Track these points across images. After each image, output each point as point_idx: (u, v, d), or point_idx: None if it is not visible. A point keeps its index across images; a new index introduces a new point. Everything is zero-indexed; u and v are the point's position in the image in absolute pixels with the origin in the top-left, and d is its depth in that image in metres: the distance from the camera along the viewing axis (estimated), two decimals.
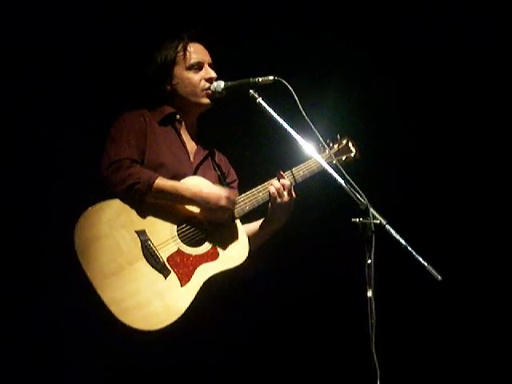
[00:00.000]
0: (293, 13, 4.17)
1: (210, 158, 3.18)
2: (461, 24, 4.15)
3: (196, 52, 3.12)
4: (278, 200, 3.00)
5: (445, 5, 4.13)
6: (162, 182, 2.82)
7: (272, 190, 3.01)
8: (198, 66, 3.10)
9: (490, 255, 4.18)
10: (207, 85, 3.08)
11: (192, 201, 2.87)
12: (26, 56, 3.61)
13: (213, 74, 3.10)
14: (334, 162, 2.99)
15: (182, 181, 2.94)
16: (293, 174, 3.13)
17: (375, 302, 2.49)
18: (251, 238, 3.03)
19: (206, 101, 3.09)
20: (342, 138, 3.34)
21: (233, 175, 3.28)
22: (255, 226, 3.13)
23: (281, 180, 3.03)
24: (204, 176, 3.03)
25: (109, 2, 3.75)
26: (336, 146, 3.31)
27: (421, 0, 4.16)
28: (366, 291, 2.50)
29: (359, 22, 4.19)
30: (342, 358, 4.10)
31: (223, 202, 2.86)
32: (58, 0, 3.62)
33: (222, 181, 3.16)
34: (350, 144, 3.34)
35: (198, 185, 2.90)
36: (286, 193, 3.00)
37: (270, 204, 3.03)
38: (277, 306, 4.16)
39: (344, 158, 3.29)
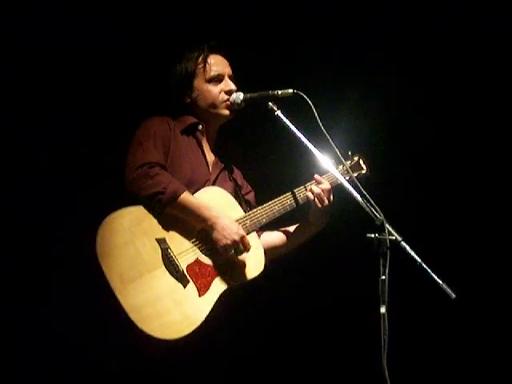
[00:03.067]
0: (310, 26, 4.19)
1: (226, 170, 3.19)
2: (481, 35, 4.14)
3: (216, 64, 3.12)
4: (319, 205, 3.03)
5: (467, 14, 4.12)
6: (186, 197, 2.82)
7: (311, 196, 3.04)
8: (218, 79, 3.11)
9: (506, 274, 4.16)
10: (226, 97, 3.08)
11: (209, 227, 2.84)
12: (54, 68, 3.65)
13: (232, 87, 3.11)
14: (349, 177, 3.00)
15: (203, 190, 2.97)
16: (306, 189, 3.13)
17: (388, 318, 2.49)
18: (281, 245, 3.13)
19: (226, 112, 3.10)
20: (353, 155, 3.36)
21: (247, 187, 3.30)
22: (287, 231, 3.18)
23: (320, 185, 3.05)
24: (221, 187, 3.05)
25: (135, 9, 3.78)
26: (348, 163, 3.31)
27: (440, 9, 4.15)
28: (380, 307, 2.50)
29: (377, 34, 4.19)
30: (353, 374, 4.09)
31: (228, 241, 2.81)
32: (82, 9, 3.66)
33: (238, 192, 3.18)
34: (362, 161, 3.35)
35: (218, 212, 2.87)
36: (326, 197, 3.03)
37: (311, 209, 3.07)
38: (290, 319, 4.15)
39: (355, 175, 3.28)
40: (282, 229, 3.20)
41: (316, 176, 3.07)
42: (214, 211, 2.86)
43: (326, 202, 3.03)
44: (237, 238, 2.83)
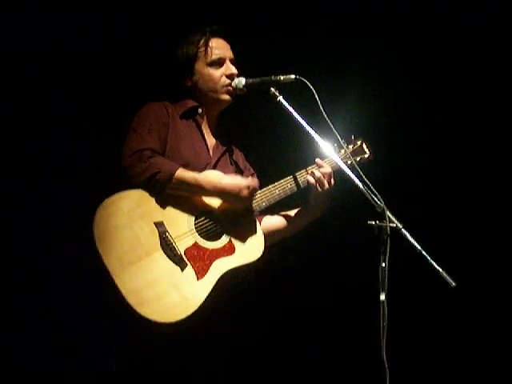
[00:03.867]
0: (313, 10, 4.17)
1: (227, 154, 3.18)
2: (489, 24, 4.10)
3: (218, 48, 3.10)
4: (320, 189, 3.02)
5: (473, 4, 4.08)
6: (182, 172, 2.82)
7: (311, 180, 3.03)
8: (219, 62, 3.09)
9: (505, 263, 4.16)
10: (228, 81, 3.07)
11: (212, 192, 2.87)
12: (51, 49, 3.65)
13: (234, 71, 3.09)
14: (350, 162, 3.03)
15: (203, 173, 2.94)
16: (308, 173, 3.12)
17: (388, 306, 2.48)
18: (283, 229, 3.12)
19: (226, 97, 3.09)
20: (356, 139, 3.35)
21: (249, 169, 3.29)
22: (288, 215, 3.17)
23: (321, 169, 3.04)
24: (222, 171, 3.03)
25: None
26: (351, 147, 3.31)
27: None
28: (379, 294, 2.50)
29: (381, 20, 4.17)
30: (352, 361, 4.11)
31: (244, 193, 2.87)
32: None
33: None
34: (364, 145, 3.35)
35: (217, 176, 2.91)
36: (326, 181, 3.02)
37: (311, 193, 3.06)
38: (288, 306, 4.17)
39: (358, 158, 3.29)
40: (283, 213, 3.19)
41: (317, 160, 3.06)
42: (212, 179, 2.87)
43: (327, 185, 3.03)
44: (244, 193, 2.86)
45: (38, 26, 3.59)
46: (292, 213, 3.18)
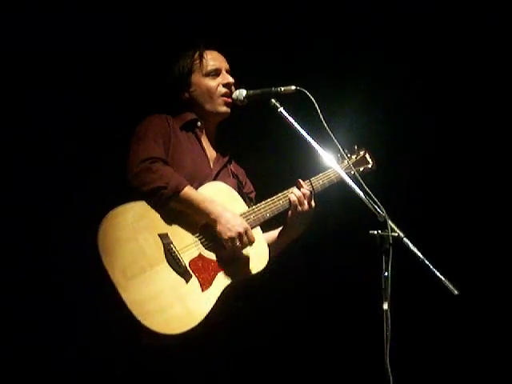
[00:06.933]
0: (313, 21, 4.19)
1: (228, 166, 3.19)
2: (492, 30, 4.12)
3: (213, 59, 3.14)
4: (299, 208, 3.01)
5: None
6: (189, 191, 2.82)
7: (293, 197, 3.02)
8: (216, 73, 3.12)
9: (507, 271, 4.16)
10: (225, 90, 3.09)
11: (211, 220, 2.83)
12: (56, 66, 3.69)
13: (230, 80, 3.12)
14: (353, 172, 3.00)
15: (206, 184, 2.96)
16: (311, 184, 3.13)
17: (391, 315, 2.49)
18: (270, 246, 3.05)
19: (223, 109, 3.10)
20: (359, 149, 3.37)
21: (250, 186, 3.29)
22: (274, 234, 3.15)
23: (301, 189, 3.04)
24: (223, 182, 3.05)
25: (133, 9, 3.80)
26: (354, 157, 3.33)
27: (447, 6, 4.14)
28: (382, 303, 2.50)
29: (381, 31, 4.20)
30: (355, 370, 4.10)
31: (239, 229, 2.80)
32: (82, 9, 3.68)
33: (240, 189, 3.17)
34: (368, 155, 3.36)
35: (222, 206, 2.86)
36: (306, 201, 3.02)
37: (289, 212, 3.04)
38: (292, 316, 4.17)
39: (361, 169, 3.31)
40: (268, 232, 3.16)
41: (299, 180, 3.07)
42: (217, 205, 2.85)
43: (306, 206, 3.02)
44: (241, 230, 2.81)
45: (35, 36, 3.62)
46: (275, 232, 3.16)
